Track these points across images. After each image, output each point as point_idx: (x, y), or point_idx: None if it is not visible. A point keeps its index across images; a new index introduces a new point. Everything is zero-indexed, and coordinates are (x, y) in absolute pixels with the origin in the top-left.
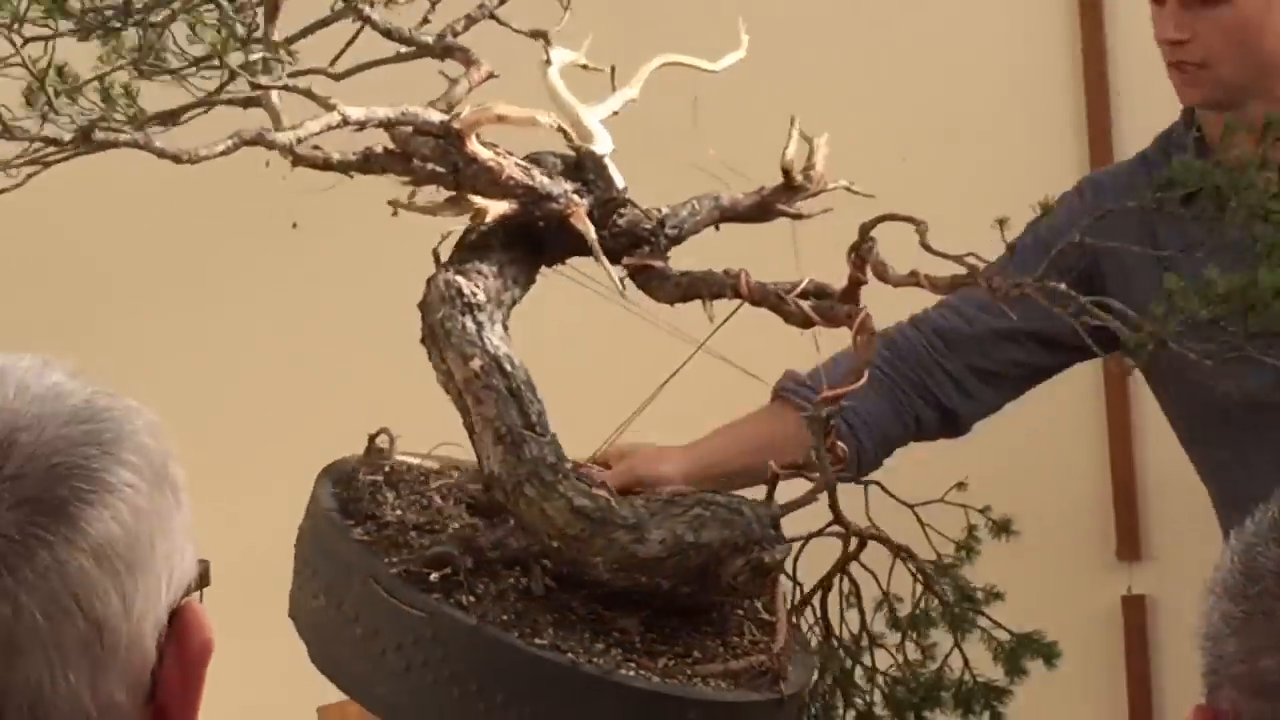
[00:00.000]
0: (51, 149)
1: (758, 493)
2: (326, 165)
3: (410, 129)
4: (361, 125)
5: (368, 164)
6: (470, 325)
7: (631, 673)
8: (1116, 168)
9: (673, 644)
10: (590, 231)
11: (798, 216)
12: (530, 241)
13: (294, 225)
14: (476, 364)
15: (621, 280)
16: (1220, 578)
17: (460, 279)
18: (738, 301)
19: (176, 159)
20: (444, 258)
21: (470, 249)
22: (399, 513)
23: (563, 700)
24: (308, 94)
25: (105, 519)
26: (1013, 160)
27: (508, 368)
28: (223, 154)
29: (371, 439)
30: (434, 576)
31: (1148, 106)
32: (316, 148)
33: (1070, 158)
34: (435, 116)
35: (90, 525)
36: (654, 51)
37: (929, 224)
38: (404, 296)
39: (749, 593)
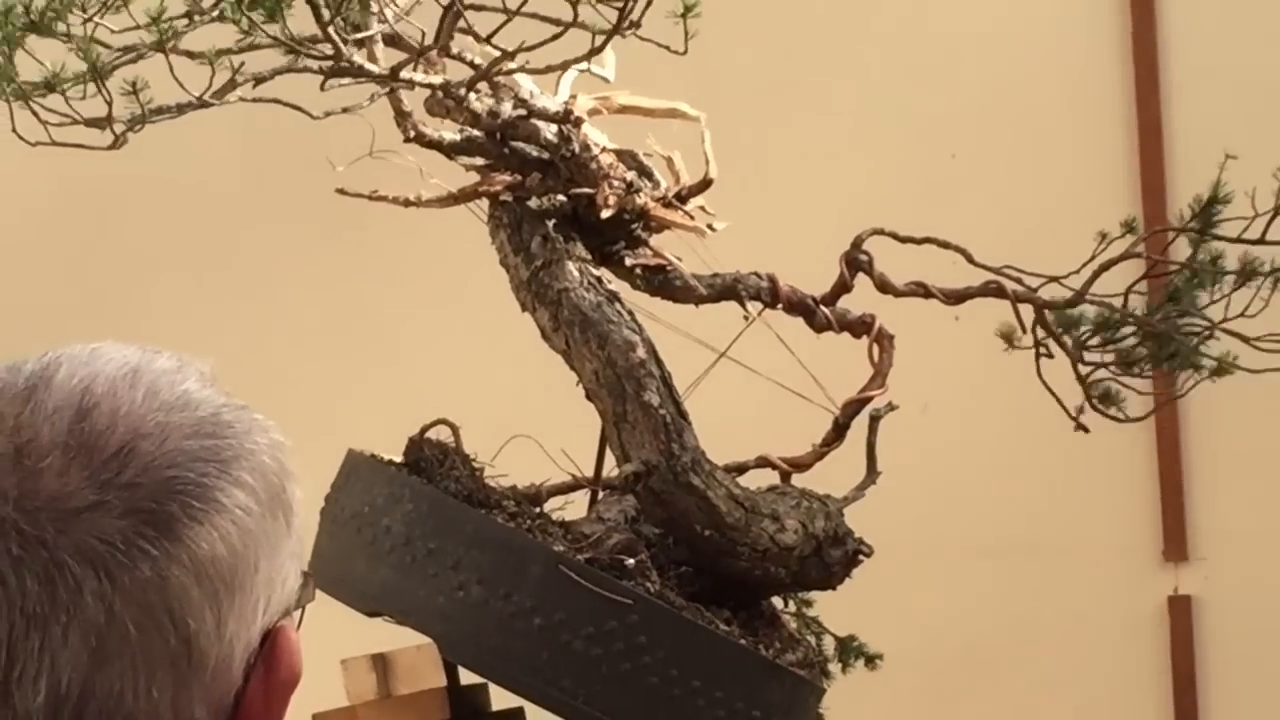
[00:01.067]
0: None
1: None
2: (436, 145)
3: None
4: (495, 116)
5: (469, 146)
6: (624, 312)
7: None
8: None
9: (754, 634)
10: (685, 224)
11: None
12: (582, 231)
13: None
14: (642, 351)
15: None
16: None
17: (589, 267)
18: (755, 309)
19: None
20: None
21: (543, 238)
22: (511, 502)
23: (740, 682)
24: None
25: (212, 539)
26: (1061, 156)
27: (658, 357)
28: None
29: (423, 431)
30: (631, 563)
31: (1199, 101)
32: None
33: (1120, 153)
34: (553, 104)
35: (196, 544)
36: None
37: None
38: (447, 291)
39: (833, 583)
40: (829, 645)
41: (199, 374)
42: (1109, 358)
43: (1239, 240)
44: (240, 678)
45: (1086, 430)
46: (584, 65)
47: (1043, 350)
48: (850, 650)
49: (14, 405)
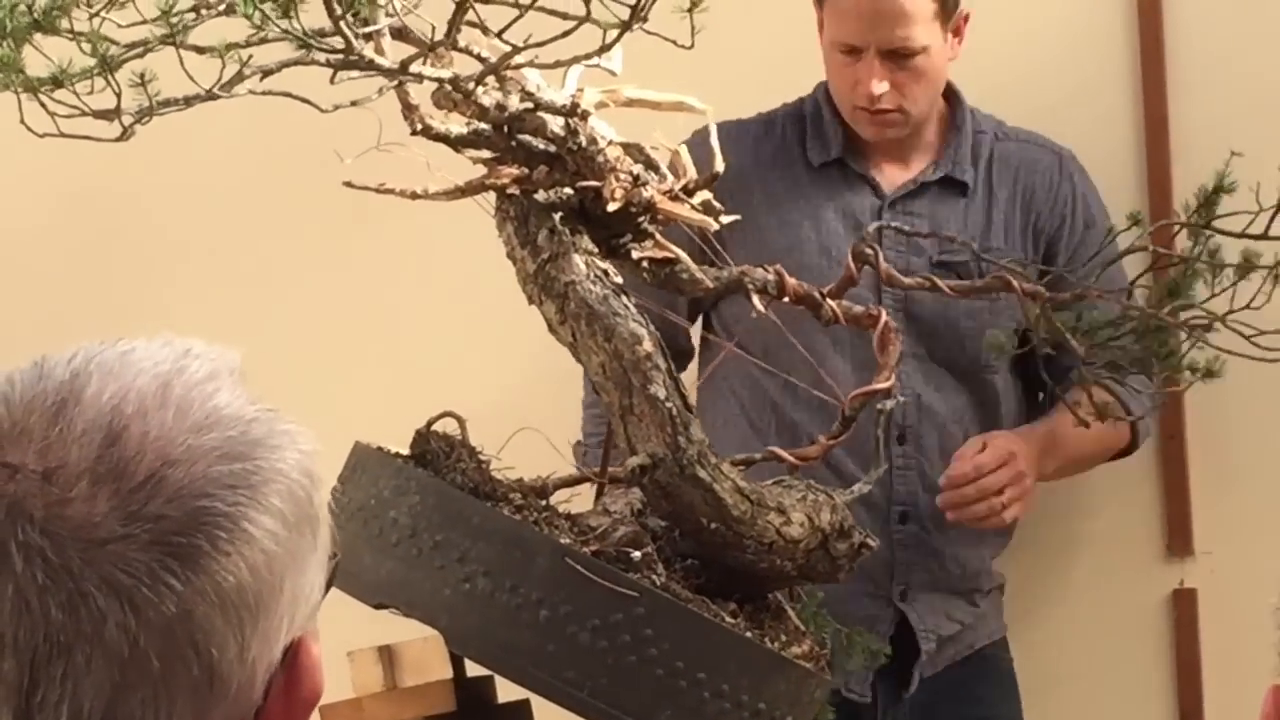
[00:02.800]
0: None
1: None
2: (444, 139)
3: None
4: (503, 110)
5: (476, 140)
6: (630, 305)
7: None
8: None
9: (760, 627)
10: (691, 217)
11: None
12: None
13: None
14: (649, 344)
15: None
16: None
17: (595, 260)
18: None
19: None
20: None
21: (550, 230)
22: (518, 495)
23: (746, 675)
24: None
25: (239, 569)
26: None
27: (664, 350)
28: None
29: (429, 423)
30: (637, 556)
31: (1205, 97)
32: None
33: (1126, 149)
34: (560, 98)
35: (222, 576)
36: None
37: None
38: (453, 284)
39: (839, 576)
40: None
41: (230, 377)
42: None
43: (1242, 235)
44: (261, 695)
45: (1088, 425)
46: (594, 61)
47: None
48: (854, 644)
49: (43, 421)
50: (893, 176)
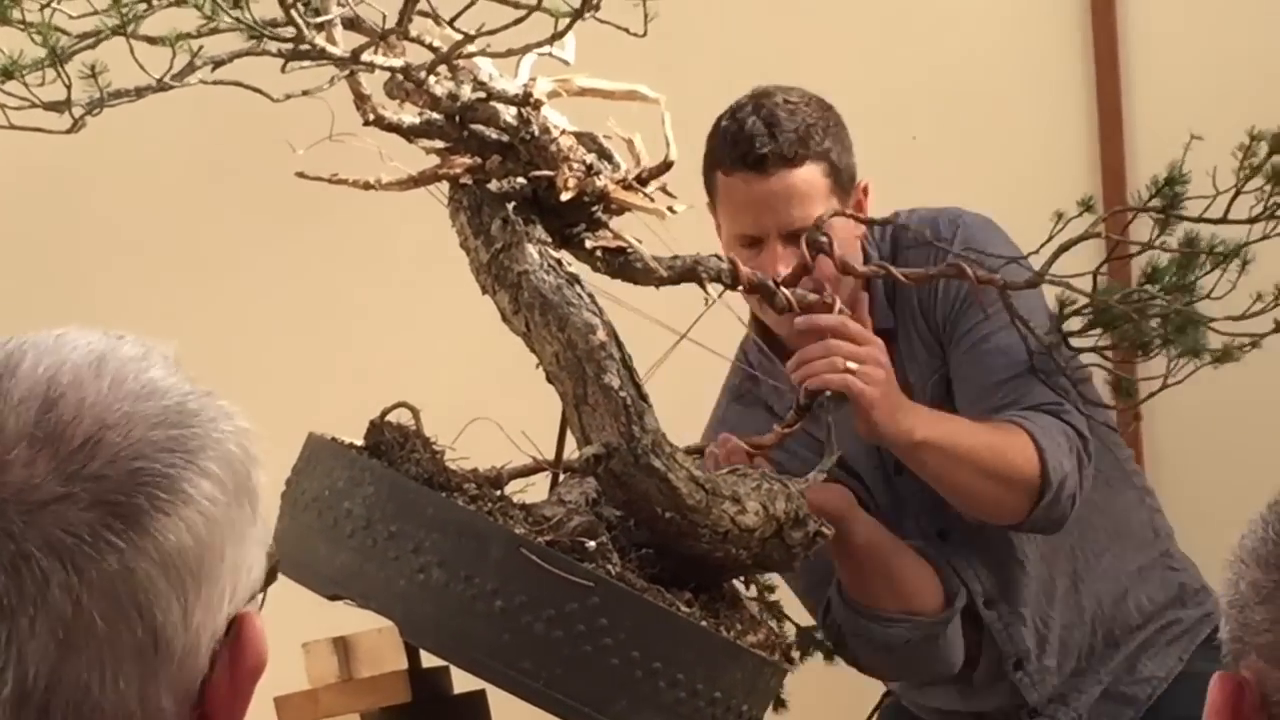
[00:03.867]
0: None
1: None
2: (396, 129)
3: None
4: (455, 99)
5: (429, 129)
6: (584, 295)
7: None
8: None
9: (715, 616)
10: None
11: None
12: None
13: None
14: (603, 334)
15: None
16: (1249, 546)
17: (549, 249)
18: (715, 291)
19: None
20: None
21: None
22: (473, 485)
23: (701, 663)
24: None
25: (180, 530)
26: (1021, 138)
27: (618, 339)
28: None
29: (383, 414)
30: (591, 545)
31: (1159, 84)
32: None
33: (1080, 135)
34: (513, 87)
35: (163, 535)
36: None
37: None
38: (406, 274)
39: (794, 565)
40: (789, 633)
41: (163, 360)
42: (1087, 342)
43: (1201, 220)
44: (206, 665)
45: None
46: (545, 49)
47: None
48: (810, 640)
49: None
50: None
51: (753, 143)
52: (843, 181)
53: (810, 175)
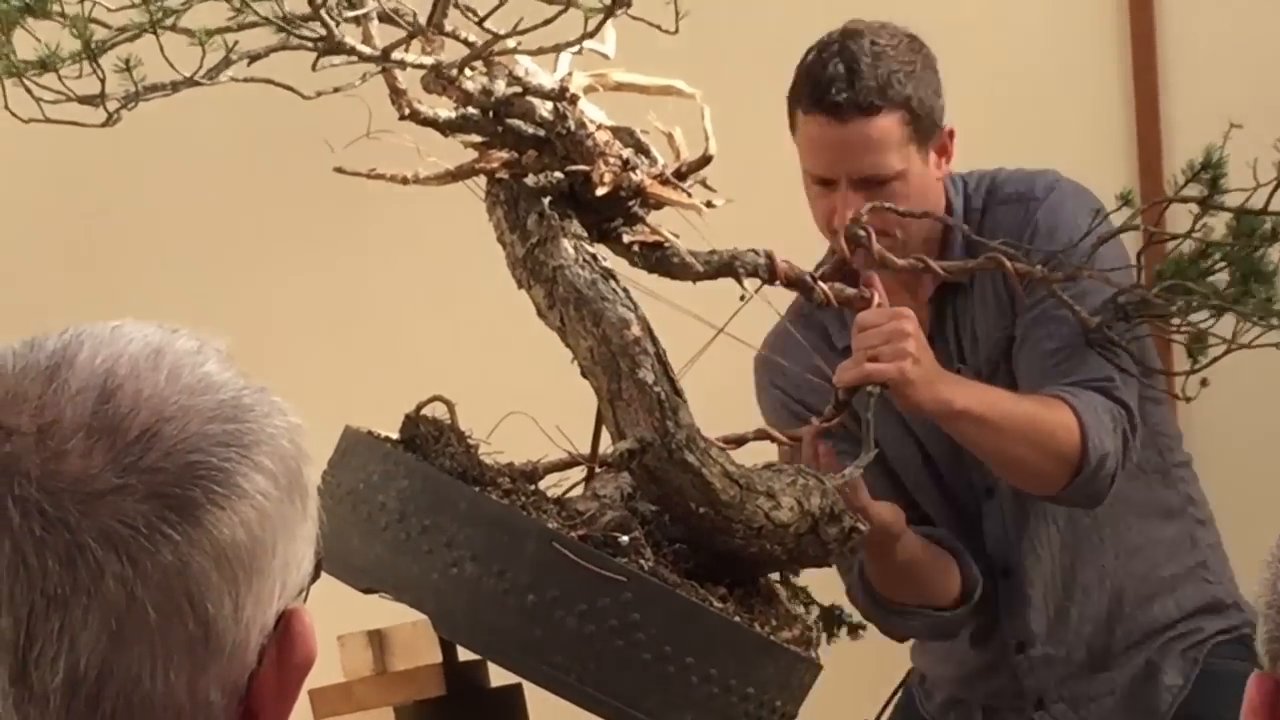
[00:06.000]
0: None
1: None
2: (432, 123)
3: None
4: (490, 94)
5: (465, 124)
6: (619, 289)
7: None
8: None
9: (749, 612)
10: (682, 200)
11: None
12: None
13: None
14: (637, 329)
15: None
16: None
17: (584, 244)
18: (753, 285)
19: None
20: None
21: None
22: (506, 479)
23: (735, 659)
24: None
25: (233, 524)
26: (1058, 132)
27: (653, 334)
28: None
29: (418, 407)
30: (625, 540)
31: (1197, 79)
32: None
33: (1117, 129)
34: (549, 82)
35: (217, 529)
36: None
37: None
38: (443, 268)
39: (829, 560)
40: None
41: (218, 354)
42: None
43: (1241, 211)
44: (255, 660)
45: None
46: (577, 47)
47: None
48: (834, 620)
49: (37, 384)
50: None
51: (830, 87)
52: (923, 128)
53: (887, 125)
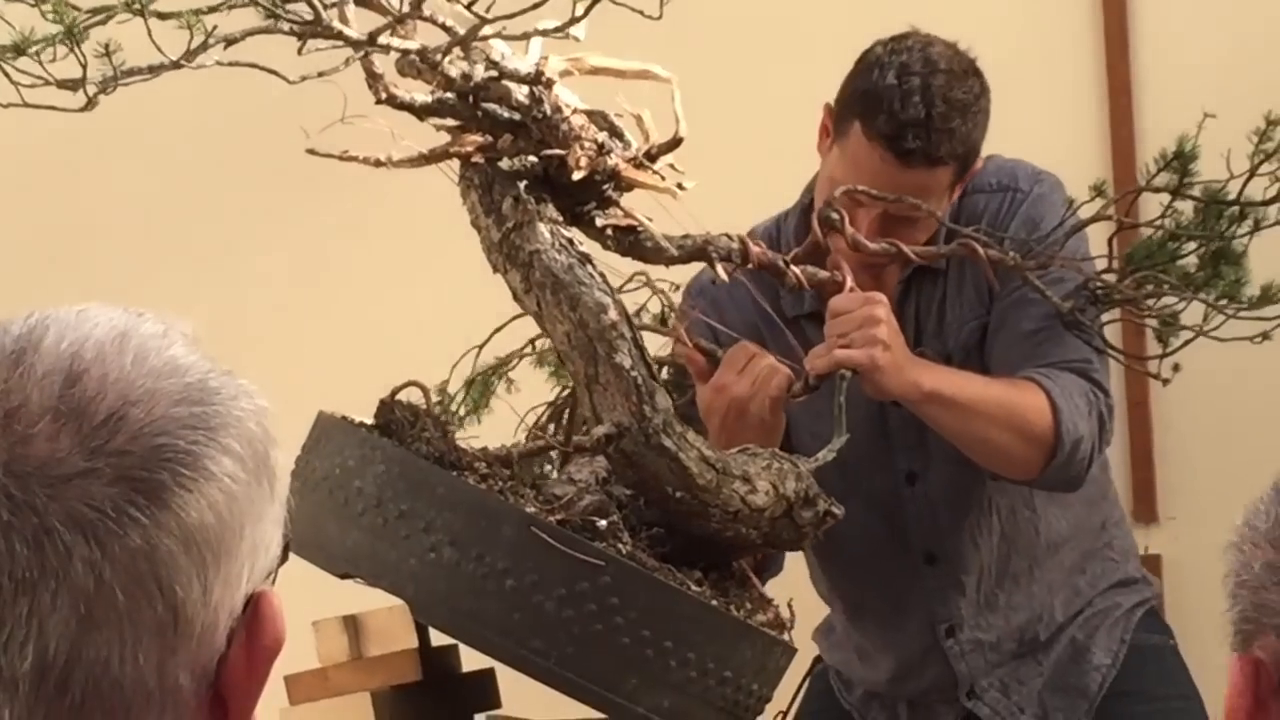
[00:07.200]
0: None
1: None
2: (408, 107)
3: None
4: (468, 79)
5: (441, 108)
6: (595, 274)
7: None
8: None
9: (725, 595)
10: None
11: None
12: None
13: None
14: (614, 313)
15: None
16: (1261, 528)
17: (560, 228)
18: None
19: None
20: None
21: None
22: (483, 464)
23: (712, 642)
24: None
25: (201, 506)
26: (1031, 119)
27: (630, 319)
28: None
29: (394, 392)
30: (602, 525)
31: (1170, 69)
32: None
33: (1090, 117)
34: (525, 66)
35: (185, 511)
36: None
37: None
38: (418, 253)
39: (804, 544)
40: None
41: (183, 337)
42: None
43: (1215, 202)
44: (224, 643)
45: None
46: (563, 34)
47: None
48: None
49: (2, 369)
50: None
51: (907, 133)
52: (967, 166)
53: (943, 175)
